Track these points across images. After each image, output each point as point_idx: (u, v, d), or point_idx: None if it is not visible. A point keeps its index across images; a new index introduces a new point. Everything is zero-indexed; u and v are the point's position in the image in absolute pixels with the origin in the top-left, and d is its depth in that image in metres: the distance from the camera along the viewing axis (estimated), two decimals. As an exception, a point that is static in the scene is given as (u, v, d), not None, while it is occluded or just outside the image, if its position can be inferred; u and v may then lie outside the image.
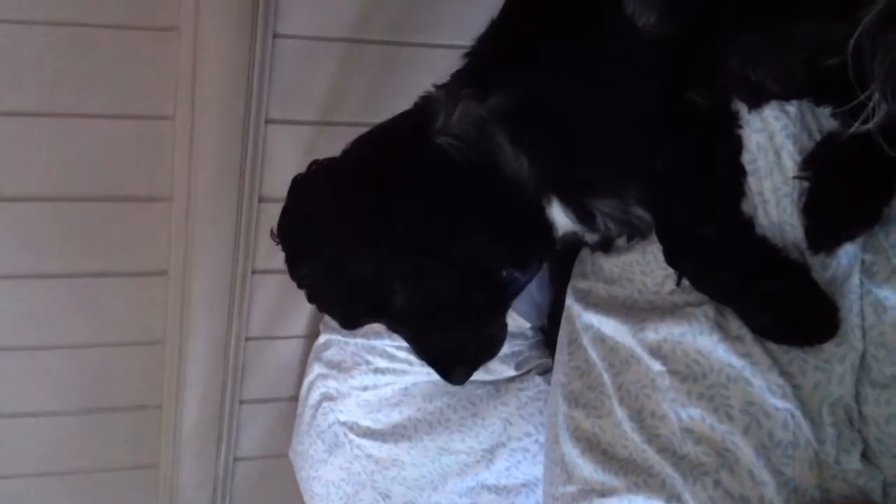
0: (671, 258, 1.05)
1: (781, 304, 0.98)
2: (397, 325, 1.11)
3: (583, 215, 1.03)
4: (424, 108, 1.08)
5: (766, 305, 0.99)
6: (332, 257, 1.06)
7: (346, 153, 1.09)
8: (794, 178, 0.96)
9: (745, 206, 1.01)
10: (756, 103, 0.96)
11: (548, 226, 1.05)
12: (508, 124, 1.01)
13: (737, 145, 1.00)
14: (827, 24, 0.85)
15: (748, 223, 1.01)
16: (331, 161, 1.11)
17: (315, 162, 1.12)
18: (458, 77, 1.10)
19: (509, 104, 1.02)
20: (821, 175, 0.95)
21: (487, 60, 1.08)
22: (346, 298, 1.08)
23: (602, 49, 1.00)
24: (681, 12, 0.96)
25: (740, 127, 0.99)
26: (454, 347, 1.09)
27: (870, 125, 0.83)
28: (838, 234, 0.94)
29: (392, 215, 1.03)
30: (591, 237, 1.08)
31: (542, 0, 1.07)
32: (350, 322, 1.14)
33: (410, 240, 1.03)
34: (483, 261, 1.06)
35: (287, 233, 1.10)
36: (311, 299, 1.10)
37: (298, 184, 1.11)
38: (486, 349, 1.12)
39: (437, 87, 1.10)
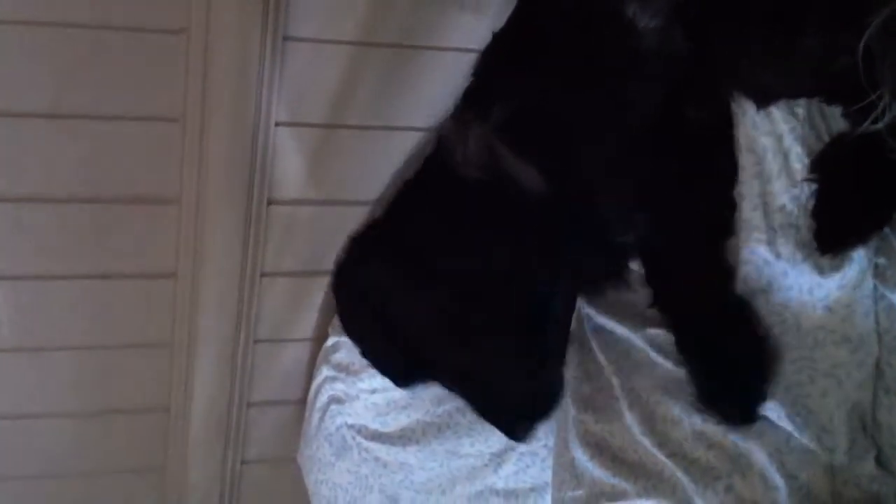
0: (649, 280, 1.07)
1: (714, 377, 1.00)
2: (453, 384, 1.12)
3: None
4: (441, 147, 1.09)
5: (704, 372, 1.01)
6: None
7: (388, 216, 1.11)
8: (804, 180, 0.96)
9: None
10: (765, 102, 0.95)
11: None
12: (509, 136, 1.02)
13: (730, 173, 1.00)
14: (836, 30, 0.85)
15: (729, 273, 1.02)
16: (372, 229, 1.13)
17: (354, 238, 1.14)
18: (464, 98, 1.11)
19: (509, 116, 1.02)
20: (830, 176, 0.95)
21: (489, 74, 1.09)
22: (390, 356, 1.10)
23: (602, 56, 1.01)
24: (685, 19, 0.96)
25: (734, 154, 0.99)
26: (513, 402, 1.10)
27: (879, 125, 0.83)
28: (847, 237, 0.94)
29: (438, 271, 1.04)
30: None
31: (544, 9, 1.08)
32: (400, 379, 1.16)
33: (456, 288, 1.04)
34: (529, 282, 1.07)
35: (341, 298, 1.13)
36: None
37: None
38: (544, 400, 1.12)
39: (448, 117, 1.12)
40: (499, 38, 1.10)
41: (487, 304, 1.05)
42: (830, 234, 0.95)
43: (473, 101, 1.06)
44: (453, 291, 1.04)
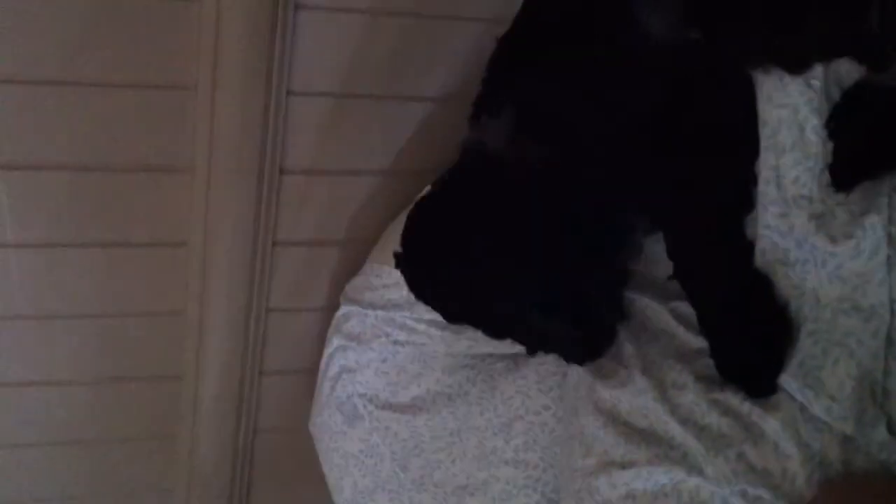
0: (670, 254, 1.08)
1: (736, 349, 1.01)
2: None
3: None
4: (472, 158, 1.11)
5: (726, 344, 1.02)
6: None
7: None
8: (826, 133, 0.95)
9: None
10: (798, 69, 0.95)
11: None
12: (518, 124, 1.03)
13: (753, 151, 1.01)
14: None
15: (748, 248, 1.02)
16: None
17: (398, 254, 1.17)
18: (475, 106, 1.13)
19: (518, 115, 1.03)
20: (845, 121, 0.95)
21: (496, 79, 1.11)
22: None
23: (610, 58, 1.01)
24: (701, 17, 0.96)
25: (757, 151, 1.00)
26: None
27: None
28: (860, 170, 0.94)
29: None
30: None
31: (548, 8, 1.08)
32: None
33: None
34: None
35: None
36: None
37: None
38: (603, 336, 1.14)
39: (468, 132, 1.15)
40: (503, 43, 1.11)
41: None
42: (844, 167, 0.95)
43: (484, 106, 1.08)
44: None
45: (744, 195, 1.02)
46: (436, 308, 1.18)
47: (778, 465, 0.95)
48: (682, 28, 0.96)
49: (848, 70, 0.95)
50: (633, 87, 1.01)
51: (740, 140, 1.01)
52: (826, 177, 0.95)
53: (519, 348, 1.41)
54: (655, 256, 1.11)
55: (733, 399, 1.00)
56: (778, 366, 0.98)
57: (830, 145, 0.94)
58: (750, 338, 1.00)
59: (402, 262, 1.19)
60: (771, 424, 0.96)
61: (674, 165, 1.02)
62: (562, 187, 1.06)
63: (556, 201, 1.05)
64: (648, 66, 0.99)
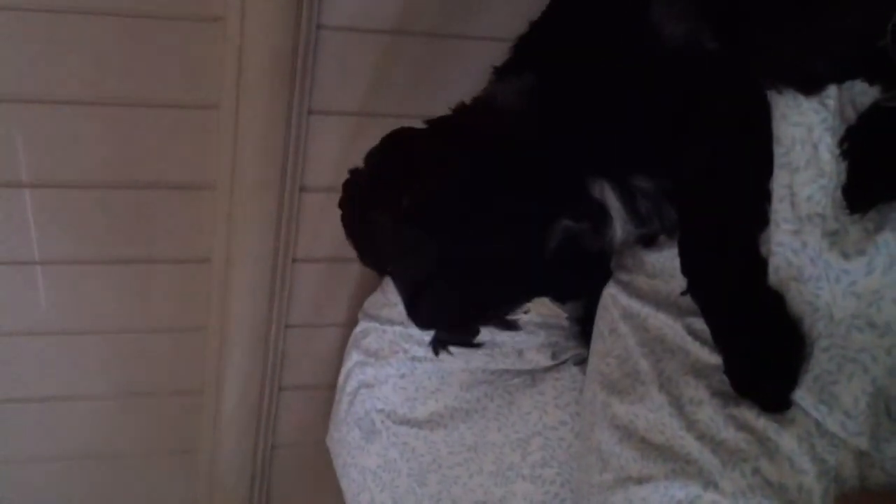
0: (684, 270, 1.08)
1: (750, 364, 1.02)
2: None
3: (623, 194, 1.04)
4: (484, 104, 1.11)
5: (740, 359, 1.03)
6: None
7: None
8: (839, 152, 0.96)
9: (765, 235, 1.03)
10: (811, 90, 0.96)
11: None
12: (539, 98, 1.03)
13: (767, 169, 1.01)
14: (874, 10, 0.85)
15: (762, 265, 1.02)
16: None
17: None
18: (496, 73, 1.13)
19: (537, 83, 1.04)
20: (862, 141, 0.95)
21: (521, 52, 1.12)
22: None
23: (626, 60, 1.02)
24: (713, 17, 0.97)
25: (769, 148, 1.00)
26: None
27: None
28: (875, 192, 0.94)
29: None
30: (632, 228, 1.09)
31: (575, 6, 1.10)
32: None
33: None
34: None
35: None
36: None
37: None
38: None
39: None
40: (533, 26, 1.12)
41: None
42: (859, 190, 0.95)
43: (507, 68, 1.09)
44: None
45: (757, 212, 1.03)
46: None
47: (794, 480, 0.95)
48: (698, 36, 0.97)
49: (862, 89, 0.95)
50: (648, 92, 1.01)
51: (754, 157, 1.01)
52: (839, 195, 0.96)
53: (536, 364, 1.42)
54: (670, 272, 1.11)
55: (749, 414, 1.00)
56: (791, 381, 0.98)
57: (844, 164, 0.95)
58: (763, 353, 1.00)
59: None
60: (786, 440, 0.96)
61: (685, 178, 1.03)
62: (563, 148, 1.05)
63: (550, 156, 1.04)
64: (664, 73, 1.00)
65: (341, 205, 1.14)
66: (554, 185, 1.04)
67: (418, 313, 1.09)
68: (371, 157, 1.12)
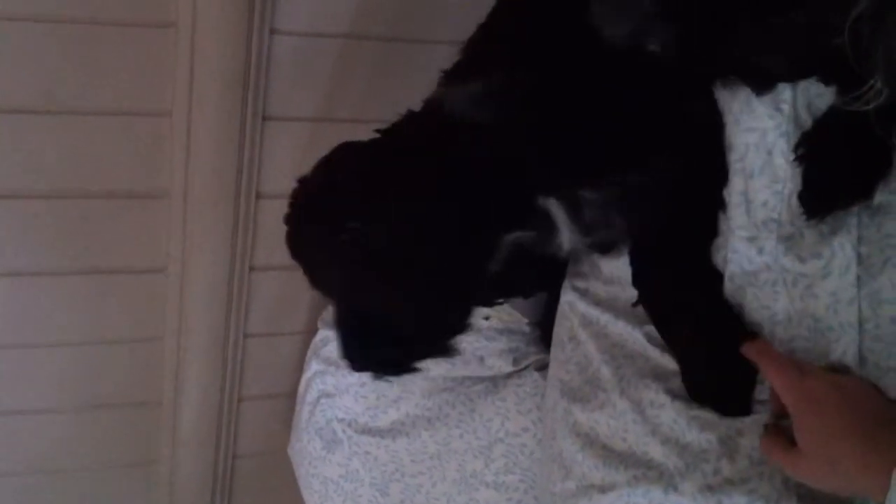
0: (635, 281, 1.07)
1: (705, 375, 1.01)
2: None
3: (569, 204, 1.03)
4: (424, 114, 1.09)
5: (695, 370, 1.02)
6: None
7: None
8: (794, 157, 0.95)
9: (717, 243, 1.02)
10: (763, 88, 0.95)
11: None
12: (485, 109, 1.02)
13: (719, 176, 1.00)
14: (825, 11, 0.85)
15: (715, 274, 1.02)
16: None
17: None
18: (445, 77, 1.12)
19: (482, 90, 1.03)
20: (818, 146, 0.95)
21: (469, 56, 1.11)
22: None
23: (570, 63, 1.01)
24: (661, 18, 0.96)
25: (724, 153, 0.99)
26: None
27: (869, 107, 0.83)
28: (831, 199, 0.94)
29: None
30: (579, 237, 1.08)
31: (519, 10, 1.09)
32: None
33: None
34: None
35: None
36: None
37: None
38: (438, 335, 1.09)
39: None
40: (480, 28, 1.11)
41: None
42: (816, 196, 0.95)
43: (453, 76, 1.08)
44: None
45: (708, 222, 1.02)
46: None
47: (754, 472, 0.95)
48: (641, 38, 0.96)
49: (819, 91, 0.95)
50: (592, 100, 1.00)
51: (704, 165, 1.00)
52: (795, 201, 0.95)
53: (497, 370, 1.41)
54: (627, 279, 1.11)
55: (712, 415, 1.00)
56: (750, 388, 0.98)
57: (799, 169, 0.95)
58: (719, 362, 1.00)
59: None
60: (748, 438, 0.97)
61: (632, 188, 1.02)
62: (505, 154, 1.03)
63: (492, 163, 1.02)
64: (606, 79, 0.99)
65: (286, 221, 1.11)
66: (499, 203, 1.02)
67: (350, 355, 1.07)
68: (315, 175, 1.08)
